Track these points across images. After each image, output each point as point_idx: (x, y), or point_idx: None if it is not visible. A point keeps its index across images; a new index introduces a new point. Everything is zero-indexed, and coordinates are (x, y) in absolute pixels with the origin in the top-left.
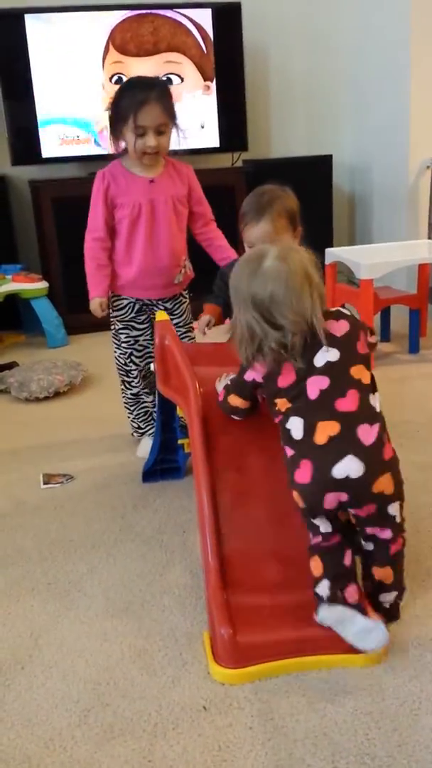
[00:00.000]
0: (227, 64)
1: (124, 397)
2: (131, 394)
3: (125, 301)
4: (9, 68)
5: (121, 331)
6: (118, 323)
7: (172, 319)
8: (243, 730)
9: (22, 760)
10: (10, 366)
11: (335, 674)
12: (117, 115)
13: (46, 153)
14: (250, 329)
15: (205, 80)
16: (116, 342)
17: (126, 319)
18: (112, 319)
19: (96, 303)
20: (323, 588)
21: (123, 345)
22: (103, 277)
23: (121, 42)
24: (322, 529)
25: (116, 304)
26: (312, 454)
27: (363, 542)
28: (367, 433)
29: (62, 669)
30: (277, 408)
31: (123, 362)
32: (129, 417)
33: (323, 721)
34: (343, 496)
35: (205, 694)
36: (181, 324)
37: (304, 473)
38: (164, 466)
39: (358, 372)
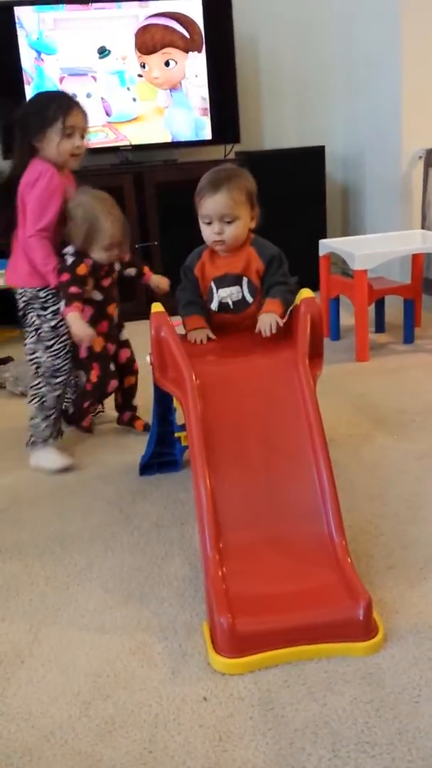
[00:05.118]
0: (218, 56)
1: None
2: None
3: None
4: None
5: (62, 324)
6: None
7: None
8: (243, 720)
9: (23, 753)
10: (5, 361)
11: (335, 663)
12: (43, 120)
13: None
14: None
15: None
16: (55, 338)
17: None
18: (42, 316)
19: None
20: None
21: (64, 338)
22: None
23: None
24: None
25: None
26: None
27: None
28: None
29: (62, 662)
30: None
31: (60, 360)
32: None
33: (323, 710)
34: None
35: (206, 684)
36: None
37: None
38: (161, 459)
39: None
